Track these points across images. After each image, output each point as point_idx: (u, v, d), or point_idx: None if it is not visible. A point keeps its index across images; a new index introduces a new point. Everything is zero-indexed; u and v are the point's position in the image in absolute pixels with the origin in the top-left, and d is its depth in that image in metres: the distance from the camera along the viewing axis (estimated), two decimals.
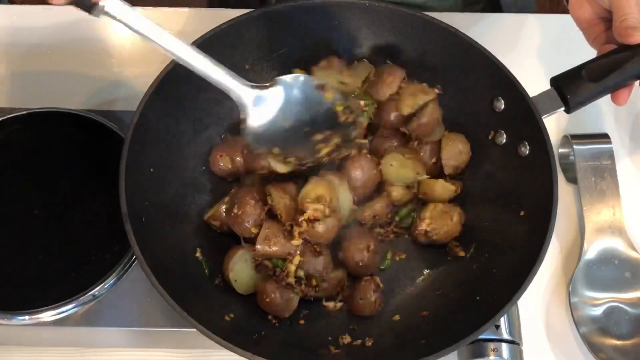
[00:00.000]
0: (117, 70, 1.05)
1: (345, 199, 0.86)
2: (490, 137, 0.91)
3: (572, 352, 0.87)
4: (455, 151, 0.91)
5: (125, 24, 0.70)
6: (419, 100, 0.90)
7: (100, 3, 0.68)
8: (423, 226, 0.87)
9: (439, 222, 0.87)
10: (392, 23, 0.94)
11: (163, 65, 0.85)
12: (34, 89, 1.03)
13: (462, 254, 0.88)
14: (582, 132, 0.99)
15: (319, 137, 0.83)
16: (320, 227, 0.81)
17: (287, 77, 0.81)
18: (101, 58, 1.06)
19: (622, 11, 0.81)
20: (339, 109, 0.83)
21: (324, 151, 0.83)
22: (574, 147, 0.96)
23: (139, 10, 0.69)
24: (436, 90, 0.91)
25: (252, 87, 0.79)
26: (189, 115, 0.91)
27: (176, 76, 0.86)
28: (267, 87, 0.80)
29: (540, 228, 0.79)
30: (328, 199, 0.82)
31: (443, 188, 0.89)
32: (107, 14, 0.70)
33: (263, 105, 0.80)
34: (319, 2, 0.93)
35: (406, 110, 0.90)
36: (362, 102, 0.90)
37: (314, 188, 0.82)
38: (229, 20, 0.90)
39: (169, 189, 0.87)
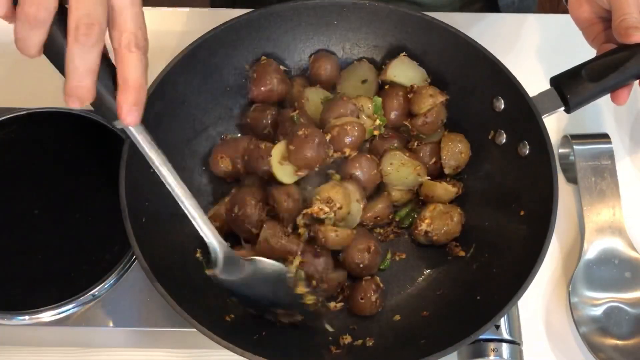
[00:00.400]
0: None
1: (356, 210, 0.86)
2: (490, 137, 0.91)
3: (572, 352, 0.87)
4: (455, 151, 0.91)
5: (139, 147, 0.69)
6: (435, 100, 0.90)
7: (123, 124, 0.66)
8: (423, 226, 0.88)
9: (439, 222, 0.87)
10: (392, 23, 0.94)
11: (162, 66, 0.85)
12: (34, 89, 1.03)
13: (462, 253, 0.88)
14: (582, 132, 0.99)
15: (280, 311, 0.82)
16: (333, 234, 0.82)
17: (265, 263, 0.80)
18: None
19: (622, 11, 0.81)
20: (302, 290, 0.81)
21: (283, 319, 0.82)
22: (574, 147, 0.96)
23: (154, 144, 0.69)
24: (446, 95, 0.92)
25: (230, 249, 0.78)
26: (189, 116, 0.91)
27: (175, 77, 0.86)
28: (243, 258, 0.79)
29: (540, 228, 0.79)
30: (337, 205, 0.82)
31: (444, 190, 0.89)
32: (126, 130, 0.68)
33: (233, 265, 0.79)
34: (318, 2, 0.93)
35: (422, 109, 0.90)
36: (377, 121, 0.90)
37: (330, 190, 0.83)
38: (229, 20, 0.90)
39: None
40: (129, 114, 0.63)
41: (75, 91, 0.61)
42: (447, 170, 0.91)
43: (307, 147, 0.83)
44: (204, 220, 0.75)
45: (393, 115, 0.92)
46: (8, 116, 0.93)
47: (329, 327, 0.84)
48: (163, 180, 0.72)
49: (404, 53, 0.95)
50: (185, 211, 0.74)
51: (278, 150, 0.85)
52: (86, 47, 0.60)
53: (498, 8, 1.19)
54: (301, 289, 0.81)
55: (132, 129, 0.67)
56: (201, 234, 0.76)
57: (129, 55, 0.63)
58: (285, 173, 0.85)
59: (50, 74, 1.04)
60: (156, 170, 0.71)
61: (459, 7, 1.21)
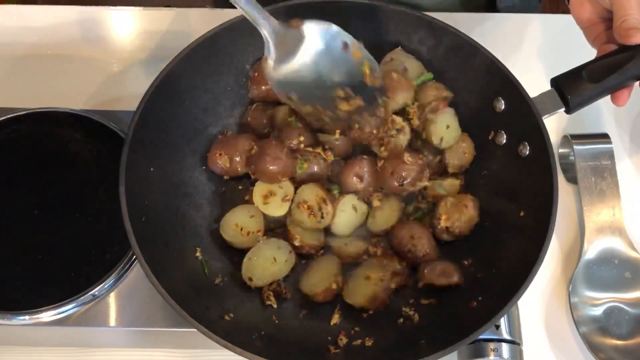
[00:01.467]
0: (117, 70, 1.05)
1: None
2: (490, 137, 0.91)
3: (572, 352, 0.87)
4: (459, 151, 0.91)
5: None
6: (439, 94, 0.91)
7: None
8: (442, 224, 0.87)
9: (455, 214, 0.87)
10: (393, 23, 0.94)
11: (163, 65, 0.85)
12: (34, 89, 1.03)
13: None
14: (582, 132, 0.99)
15: (340, 93, 0.81)
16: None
17: (318, 25, 0.78)
18: (101, 58, 1.06)
19: (623, 11, 0.81)
20: (366, 70, 0.80)
21: (344, 108, 0.81)
22: (574, 147, 0.96)
23: None
24: (450, 92, 0.92)
25: (279, 23, 0.76)
26: (189, 115, 0.91)
27: (176, 76, 0.86)
28: (293, 27, 0.77)
29: (540, 228, 0.79)
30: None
31: (449, 186, 0.90)
32: None
33: (286, 44, 0.77)
34: (319, 2, 0.93)
35: (427, 100, 0.91)
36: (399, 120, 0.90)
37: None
38: (230, 20, 0.90)
39: (169, 188, 0.87)
40: None
41: None
42: (451, 170, 0.91)
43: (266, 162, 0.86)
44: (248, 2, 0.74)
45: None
46: (8, 116, 0.93)
47: (335, 318, 0.84)
48: None
49: (399, 47, 0.96)
50: None
51: (257, 192, 0.87)
52: None
53: (496, 10, 1.19)
54: (357, 53, 0.79)
55: None
56: (247, 16, 0.74)
57: None
58: (274, 208, 0.87)
59: (51, 74, 1.05)
60: None
61: (459, 8, 1.21)
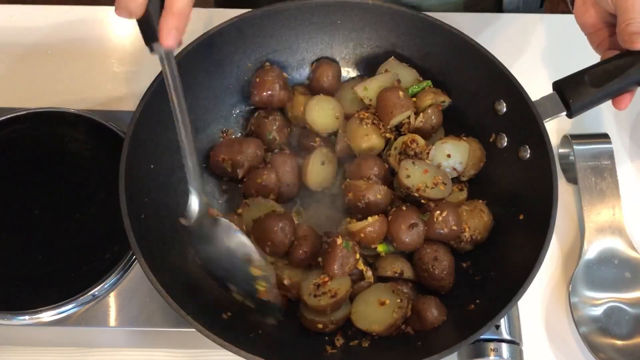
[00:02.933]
0: (117, 70, 1.05)
1: None
2: (491, 140, 0.91)
3: (572, 352, 0.87)
4: (475, 159, 0.91)
5: (164, 71, 0.74)
6: (437, 99, 0.91)
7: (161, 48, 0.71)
8: (467, 233, 0.86)
9: (473, 220, 0.86)
10: (395, 24, 0.94)
11: None
12: (34, 89, 1.03)
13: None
14: (582, 132, 0.99)
15: (232, 287, 0.82)
16: None
17: (229, 228, 0.80)
18: (101, 58, 1.06)
19: (627, 15, 0.80)
20: (260, 288, 0.81)
21: (255, 273, 0.82)
22: (574, 147, 0.96)
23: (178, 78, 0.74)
24: (447, 96, 0.92)
25: (205, 203, 0.79)
26: (190, 114, 0.90)
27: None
28: (212, 215, 0.80)
29: (539, 232, 0.79)
30: None
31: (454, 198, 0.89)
32: (159, 56, 0.73)
33: (204, 222, 0.80)
34: (321, 2, 0.93)
35: (424, 105, 0.91)
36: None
37: None
38: (231, 19, 0.90)
39: (169, 187, 0.87)
40: (168, 36, 0.69)
41: (128, 3, 0.67)
42: (464, 178, 0.91)
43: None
44: (194, 166, 0.77)
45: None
46: (8, 116, 0.93)
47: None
48: (173, 114, 0.75)
49: (392, 57, 0.96)
50: (183, 151, 0.76)
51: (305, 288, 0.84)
52: None
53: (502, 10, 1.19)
54: (256, 270, 0.80)
55: (164, 54, 0.72)
56: (188, 176, 0.77)
57: None
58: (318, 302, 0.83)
59: (51, 74, 1.05)
60: (171, 105, 0.75)
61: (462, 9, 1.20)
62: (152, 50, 0.72)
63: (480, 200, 0.89)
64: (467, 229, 0.86)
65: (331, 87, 0.96)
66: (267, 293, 0.81)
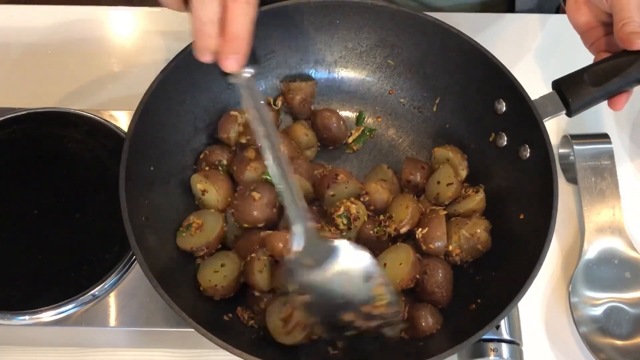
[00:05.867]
0: (117, 70, 1.05)
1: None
2: (491, 140, 0.91)
3: (572, 352, 0.87)
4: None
5: (245, 100, 0.73)
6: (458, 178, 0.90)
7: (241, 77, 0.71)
8: (457, 257, 0.86)
9: (469, 247, 0.85)
10: (394, 23, 0.94)
11: (163, 65, 0.85)
12: (34, 89, 1.03)
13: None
14: (582, 132, 0.99)
15: (347, 317, 0.75)
16: None
17: (351, 246, 0.75)
18: (101, 58, 1.06)
19: (623, 15, 0.80)
20: (381, 303, 0.75)
21: (348, 332, 0.76)
22: (574, 147, 0.96)
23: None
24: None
25: (309, 228, 0.74)
26: (190, 114, 0.91)
27: (176, 75, 0.86)
28: (327, 239, 0.75)
29: (540, 232, 0.78)
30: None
31: (476, 202, 0.89)
32: (240, 85, 0.72)
33: (312, 250, 0.74)
34: (321, 1, 0.93)
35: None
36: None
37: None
38: None
39: (169, 188, 0.87)
40: (226, 61, 0.68)
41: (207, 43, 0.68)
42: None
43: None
44: (297, 193, 0.73)
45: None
46: (8, 116, 0.93)
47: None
48: (262, 152, 0.73)
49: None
50: (280, 179, 0.72)
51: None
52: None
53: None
54: (378, 289, 0.74)
55: (242, 83, 0.72)
56: (287, 204, 0.73)
57: (233, 5, 0.67)
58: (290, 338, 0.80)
59: (50, 74, 1.05)
60: (257, 141, 0.73)
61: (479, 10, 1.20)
62: (228, 84, 0.72)
63: (482, 221, 0.86)
64: (458, 252, 0.85)
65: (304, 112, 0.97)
66: (386, 307, 0.75)
